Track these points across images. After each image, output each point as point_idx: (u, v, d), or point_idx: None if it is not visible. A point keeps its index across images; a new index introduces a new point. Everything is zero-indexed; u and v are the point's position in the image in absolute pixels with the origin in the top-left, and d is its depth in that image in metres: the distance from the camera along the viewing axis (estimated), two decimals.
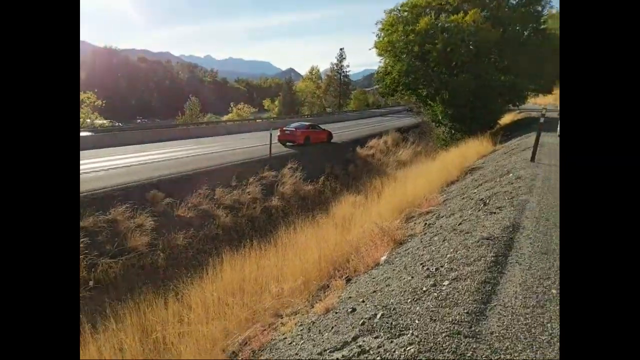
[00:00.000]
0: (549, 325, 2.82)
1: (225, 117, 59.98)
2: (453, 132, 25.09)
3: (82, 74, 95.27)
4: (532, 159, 9.85)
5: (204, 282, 7.66)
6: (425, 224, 7.34)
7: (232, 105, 60.91)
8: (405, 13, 25.17)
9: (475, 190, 8.61)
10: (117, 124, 62.10)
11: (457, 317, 2.96)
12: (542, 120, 10.01)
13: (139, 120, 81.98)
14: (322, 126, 24.52)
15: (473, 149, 17.91)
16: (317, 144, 22.11)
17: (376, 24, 26.18)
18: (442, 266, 4.07)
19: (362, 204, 13.57)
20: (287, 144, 21.54)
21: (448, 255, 4.34)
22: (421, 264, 4.46)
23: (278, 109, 71.05)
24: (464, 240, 4.71)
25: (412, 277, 4.11)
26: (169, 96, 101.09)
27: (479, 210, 6.26)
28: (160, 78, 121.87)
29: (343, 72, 76.79)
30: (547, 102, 43.94)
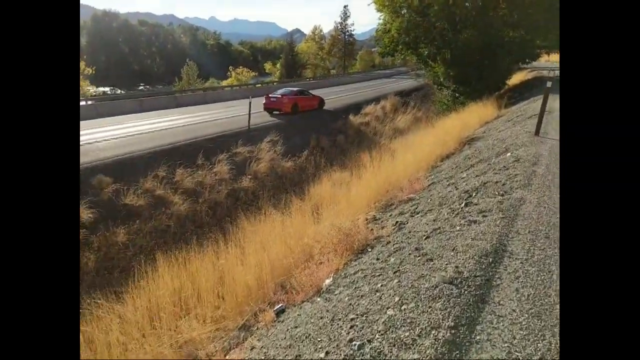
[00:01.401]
0: None
1: (224, 82, 57.72)
2: (457, 95, 23.02)
3: (82, 40, 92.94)
4: (537, 132, 8.15)
5: (128, 297, 6.25)
6: (397, 222, 5.86)
7: (230, 70, 58.47)
8: None
9: (464, 175, 7.02)
10: (118, 91, 60.45)
11: None
12: (549, 84, 8.21)
13: (141, 87, 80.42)
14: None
15: (476, 114, 16.27)
16: (307, 111, 20.29)
17: None
18: (370, 340, 2.58)
19: (346, 181, 12.13)
20: (274, 112, 19.77)
21: (388, 312, 2.85)
22: (352, 319, 2.98)
23: (280, 72, 68.23)
24: (418, 279, 3.19)
25: (327, 354, 2.66)
26: (171, 61, 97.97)
27: (458, 214, 4.71)
28: (162, 42, 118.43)
29: (347, 31, 73.16)
30: None
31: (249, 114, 15.38)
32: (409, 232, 4.92)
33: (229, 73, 58.77)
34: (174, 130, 15.28)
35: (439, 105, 23.96)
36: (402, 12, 23.23)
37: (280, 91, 20.82)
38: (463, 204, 4.98)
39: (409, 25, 22.48)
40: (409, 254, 3.95)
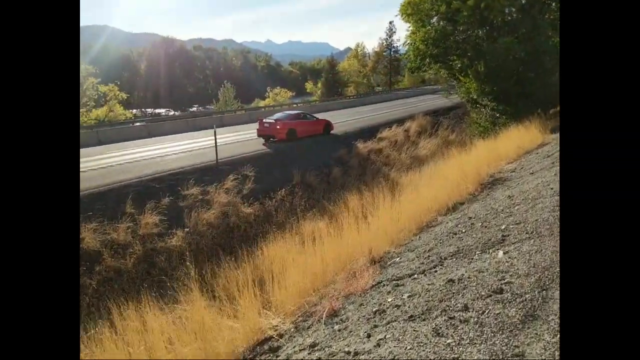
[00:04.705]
0: None
1: (261, 103, 56.46)
2: (497, 115, 19.01)
3: (142, 65, 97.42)
4: None
5: None
6: None
7: (268, 90, 57.15)
8: None
9: (410, 286, 3.70)
10: (171, 112, 61.13)
11: None
12: None
13: (194, 108, 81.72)
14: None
15: (514, 140, 12.74)
16: (308, 137, 17.27)
17: None
18: None
19: (318, 235, 8.99)
20: (271, 139, 16.94)
21: None
22: None
23: (320, 91, 66.19)
24: None
25: None
26: (223, 83, 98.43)
27: None
28: (215, 65, 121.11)
29: (393, 47, 70.02)
30: None
31: (215, 146, 12.60)
32: None
33: (266, 94, 57.53)
34: (124, 167, 12.77)
35: (473, 127, 20.06)
36: (430, 21, 19.98)
37: (275, 115, 17.99)
38: None
39: (438, 35, 19.10)
40: None
